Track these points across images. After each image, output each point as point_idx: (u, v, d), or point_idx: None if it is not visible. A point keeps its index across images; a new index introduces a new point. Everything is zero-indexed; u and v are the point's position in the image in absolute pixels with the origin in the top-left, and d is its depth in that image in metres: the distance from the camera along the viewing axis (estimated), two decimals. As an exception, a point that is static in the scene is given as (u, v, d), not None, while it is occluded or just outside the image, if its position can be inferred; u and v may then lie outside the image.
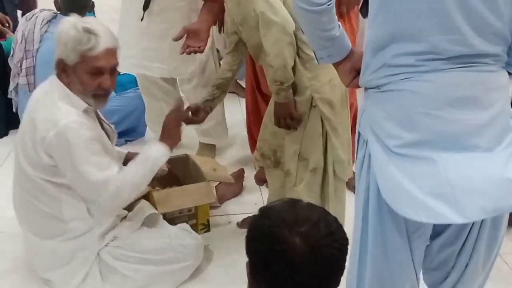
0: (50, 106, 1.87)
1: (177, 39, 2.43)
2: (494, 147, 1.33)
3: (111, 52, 1.91)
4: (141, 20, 2.67)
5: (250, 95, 2.87)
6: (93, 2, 3.28)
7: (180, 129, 2.15)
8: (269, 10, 1.96)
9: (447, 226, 1.49)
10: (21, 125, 1.99)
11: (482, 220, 1.45)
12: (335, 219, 1.11)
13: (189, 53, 2.42)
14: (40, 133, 1.84)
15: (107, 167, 1.90)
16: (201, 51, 2.45)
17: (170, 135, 2.10)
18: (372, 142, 1.39)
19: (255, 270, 1.12)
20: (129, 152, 2.29)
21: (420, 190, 1.30)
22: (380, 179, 1.37)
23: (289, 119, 2.09)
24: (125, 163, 2.20)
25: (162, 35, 2.70)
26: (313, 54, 1.55)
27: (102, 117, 2.15)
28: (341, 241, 1.08)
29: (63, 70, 1.90)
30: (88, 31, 1.85)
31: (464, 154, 1.31)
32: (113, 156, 2.06)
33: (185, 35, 2.41)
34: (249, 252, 1.13)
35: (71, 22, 1.87)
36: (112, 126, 2.21)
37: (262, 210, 1.14)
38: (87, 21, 1.91)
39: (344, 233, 1.10)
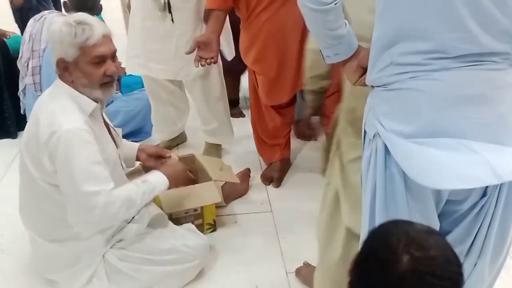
0: (58, 113, 1.85)
1: (189, 52, 2.46)
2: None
3: (108, 38, 1.91)
4: (172, 21, 2.65)
5: (253, 93, 2.86)
6: (101, 5, 3.28)
7: (187, 178, 2.22)
8: None
9: (456, 224, 1.48)
10: (27, 128, 1.97)
11: (492, 216, 1.44)
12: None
13: (203, 65, 2.46)
14: (44, 138, 1.82)
15: (102, 181, 1.85)
16: (215, 62, 2.49)
17: (177, 175, 2.14)
18: (384, 134, 1.37)
19: None
20: (141, 144, 2.31)
21: (451, 161, 1.27)
22: (405, 161, 1.32)
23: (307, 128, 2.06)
24: (137, 158, 2.27)
25: (167, 36, 2.69)
26: None
27: (108, 121, 2.14)
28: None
29: (65, 69, 1.88)
30: (80, 23, 1.84)
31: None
32: (115, 165, 2.04)
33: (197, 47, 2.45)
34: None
35: (61, 20, 1.87)
36: (118, 130, 2.21)
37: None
38: (76, 15, 1.90)
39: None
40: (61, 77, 1.91)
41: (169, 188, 2.10)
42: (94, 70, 1.87)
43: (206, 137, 3.17)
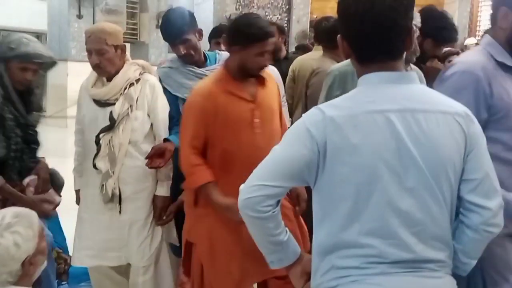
0: None
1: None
2: None
3: None
4: (119, 212, 2.71)
5: (198, 277, 2.77)
6: (62, 179, 3.21)
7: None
8: None
9: None
10: None
11: None
12: None
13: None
14: None
15: None
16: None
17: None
18: None
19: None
20: None
21: None
22: None
23: None
24: None
25: (122, 226, 2.71)
26: None
27: None
28: None
29: (30, 263, 1.85)
30: (17, 215, 1.85)
31: None
32: None
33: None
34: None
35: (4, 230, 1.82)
36: None
37: None
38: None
39: None
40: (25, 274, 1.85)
41: None
42: None
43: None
